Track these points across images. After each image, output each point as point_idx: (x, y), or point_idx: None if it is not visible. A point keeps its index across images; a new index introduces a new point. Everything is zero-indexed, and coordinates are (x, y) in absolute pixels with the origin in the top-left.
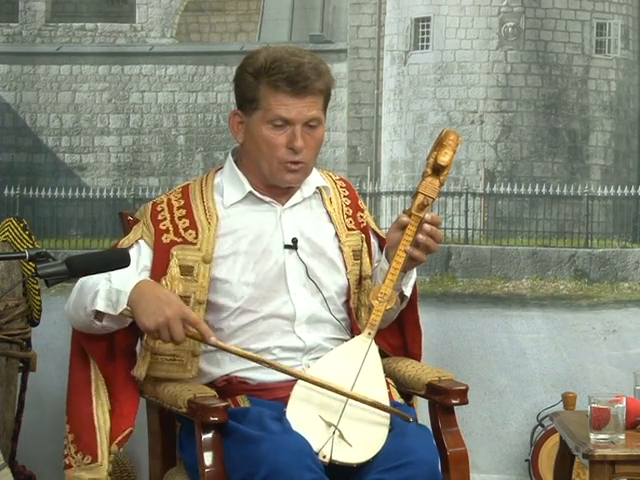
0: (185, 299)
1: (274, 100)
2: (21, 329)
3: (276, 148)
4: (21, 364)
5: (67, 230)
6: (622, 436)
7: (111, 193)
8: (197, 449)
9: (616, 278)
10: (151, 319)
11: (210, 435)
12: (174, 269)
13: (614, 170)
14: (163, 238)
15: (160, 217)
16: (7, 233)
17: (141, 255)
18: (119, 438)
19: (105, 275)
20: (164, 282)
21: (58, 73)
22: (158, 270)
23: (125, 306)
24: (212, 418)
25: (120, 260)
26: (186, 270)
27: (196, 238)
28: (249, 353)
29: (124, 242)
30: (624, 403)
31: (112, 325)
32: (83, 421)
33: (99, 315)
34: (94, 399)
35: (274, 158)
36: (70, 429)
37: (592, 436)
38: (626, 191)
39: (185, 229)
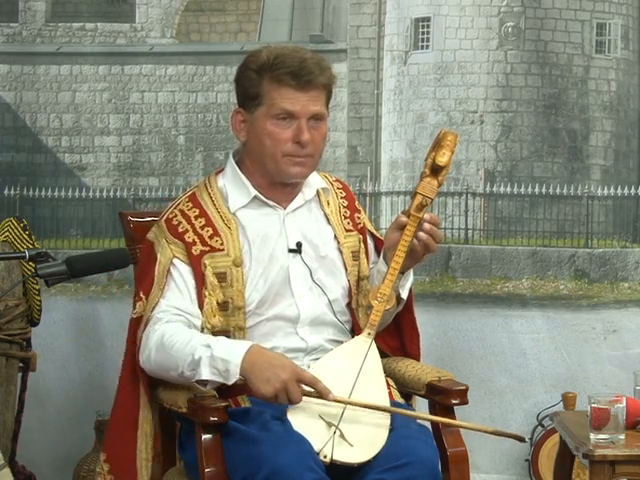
0: (224, 305)
1: (278, 94)
2: (21, 329)
3: (281, 142)
4: (21, 364)
5: (67, 230)
6: (622, 436)
7: (111, 193)
8: (197, 449)
9: (616, 278)
10: (268, 386)
11: (210, 435)
12: (211, 278)
13: (614, 170)
14: (193, 250)
15: (181, 229)
16: (7, 233)
17: (183, 276)
18: None
19: (199, 340)
20: (206, 293)
21: (58, 73)
22: (199, 283)
23: (238, 377)
24: (212, 418)
25: (120, 260)
26: (220, 277)
27: (222, 244)
28: (367, 402)
29: (157, 269)
30: (624, 403)
31: (214, 387)
32: (125, 462)
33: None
34: (139, 441)
35: (279, 152)
36: (106, 458)
37: (592, 436)
38: (626, 191)
39: (210, 237)
